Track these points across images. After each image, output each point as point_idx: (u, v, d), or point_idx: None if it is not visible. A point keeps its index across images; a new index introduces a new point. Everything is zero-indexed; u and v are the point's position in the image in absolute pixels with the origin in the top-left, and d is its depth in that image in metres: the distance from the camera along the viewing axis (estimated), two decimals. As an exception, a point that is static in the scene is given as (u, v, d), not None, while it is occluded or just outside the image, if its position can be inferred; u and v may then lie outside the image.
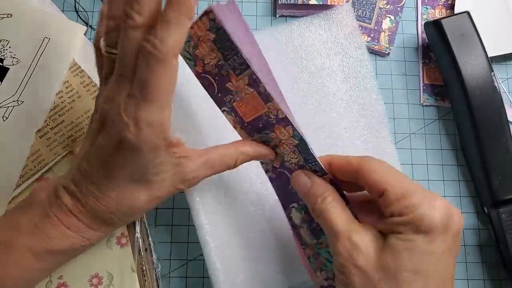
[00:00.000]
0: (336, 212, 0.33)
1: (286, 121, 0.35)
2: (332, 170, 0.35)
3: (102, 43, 0.33)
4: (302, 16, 0.52)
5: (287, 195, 0.38)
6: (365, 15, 0.52)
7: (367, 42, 0.51)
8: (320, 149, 0.38)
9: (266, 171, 0.39)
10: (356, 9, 0.52)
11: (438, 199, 0.30)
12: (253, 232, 0.44)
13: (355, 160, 0.34)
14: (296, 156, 0.37)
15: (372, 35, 0.51)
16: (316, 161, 0.36)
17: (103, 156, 0.33)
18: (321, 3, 0.50)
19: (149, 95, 0.30)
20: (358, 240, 0.31)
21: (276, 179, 0.39)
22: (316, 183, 0.35)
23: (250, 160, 0.38)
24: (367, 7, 0.52)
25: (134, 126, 0.30)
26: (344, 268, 0.31)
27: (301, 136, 0.36)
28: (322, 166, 0.35)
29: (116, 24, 0.32)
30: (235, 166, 0.37)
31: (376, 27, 0.51)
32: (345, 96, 0.47)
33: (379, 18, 0.52)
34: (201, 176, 0.36)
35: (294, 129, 0.36)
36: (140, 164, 0.33)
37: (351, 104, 0.47)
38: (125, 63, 0.30)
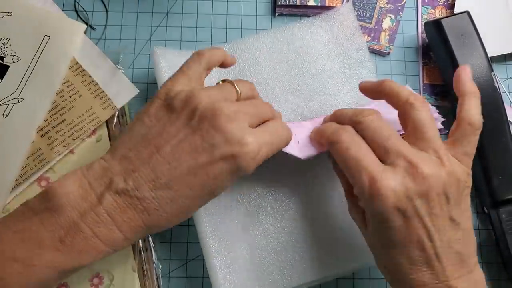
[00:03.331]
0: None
1: None
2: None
3: None
4: (302, 15, 0.52)
5: None
6: (366, 14, 0.52)
7: (368, 41, 0.51)
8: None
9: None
10: (356, 9, 0.52)
11: (380, 183, 0.32)
12: (255, 233, 0.44)
13: (326, 132, 0.38)
14: None
15: (372, 34, 0.51)
16: None
17: (188, 160, 0.32)
18: (319, 4, 0.51)
19: None
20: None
21: None
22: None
23: None
24: (368, 6, 0.52)
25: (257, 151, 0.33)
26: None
27: None
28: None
29: None
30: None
31: (376, 27, 0.51)
32: (346, 97, 0.47)
33: (379, 17, 0.52)
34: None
35: None
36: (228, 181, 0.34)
37: (353, 106, 0.47)
38: None
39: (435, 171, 0.33)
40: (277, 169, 0.44)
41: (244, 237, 0.43)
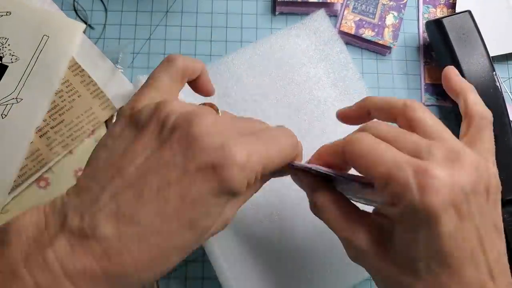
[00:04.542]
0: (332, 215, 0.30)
1: None
2: (326, 164, 0.31)
3: None
4: (302, 14, 0.52)
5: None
6: (369, 10, 0.51)
7: (372, 36, 0.50)
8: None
9: None
10: (360, 4, 0.52)
11: (430, 173, 0.24)
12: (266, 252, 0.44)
13: (340, 145, 0.29)
14: None
15: (376, 30, 0.51)
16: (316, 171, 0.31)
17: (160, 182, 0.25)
18: (320, 0, 0.50)
19: None
20: (357, 243, 0.28)
21: None
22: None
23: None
24: (371, 2, 0.52)
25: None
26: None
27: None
28: (324, 170, 0.31)
29: None
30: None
31: (380, 22, 0.51)
32: (336, 101, 0.47)
33: (382, 14, 0.51)
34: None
35: None
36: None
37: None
38: None
39: (477, 159, 0.26)
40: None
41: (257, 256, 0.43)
